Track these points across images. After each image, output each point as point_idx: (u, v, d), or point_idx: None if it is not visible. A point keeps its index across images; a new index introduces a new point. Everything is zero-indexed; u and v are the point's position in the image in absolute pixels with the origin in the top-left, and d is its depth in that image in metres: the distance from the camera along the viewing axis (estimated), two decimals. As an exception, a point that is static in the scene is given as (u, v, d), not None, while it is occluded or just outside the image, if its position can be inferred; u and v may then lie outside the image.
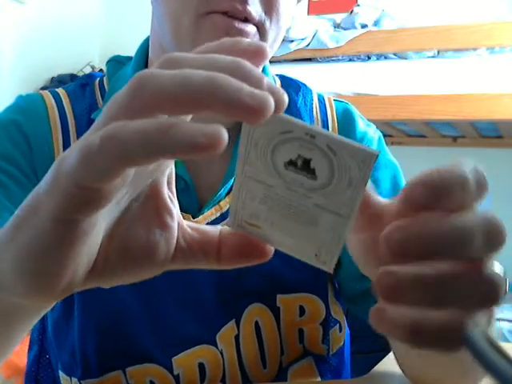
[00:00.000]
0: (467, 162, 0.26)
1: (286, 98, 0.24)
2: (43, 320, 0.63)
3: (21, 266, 0.26)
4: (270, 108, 0.22)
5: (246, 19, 0.51)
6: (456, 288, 0.25)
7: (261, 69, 0.26)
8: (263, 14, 0.52)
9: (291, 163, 0.26)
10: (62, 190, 0.23)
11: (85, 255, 0.26)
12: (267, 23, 0.53)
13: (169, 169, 0.29)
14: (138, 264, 0.29)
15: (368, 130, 0.66)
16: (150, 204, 0.29)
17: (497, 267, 0.26)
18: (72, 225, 0.24)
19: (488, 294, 0.25)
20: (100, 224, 0.26)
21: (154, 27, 0.60)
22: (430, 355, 0.40)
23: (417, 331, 0.25)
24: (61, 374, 0.59)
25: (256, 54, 0.25)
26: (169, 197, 0.29)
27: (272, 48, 0.56)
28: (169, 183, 0.30)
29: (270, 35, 0.54)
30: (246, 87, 0.22)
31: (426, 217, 0.25)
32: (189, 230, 0.30)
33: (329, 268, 0.29)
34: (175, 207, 0.30)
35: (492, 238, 0.25)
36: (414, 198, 0.25)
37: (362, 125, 0.66)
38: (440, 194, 0.25)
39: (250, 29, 0.51)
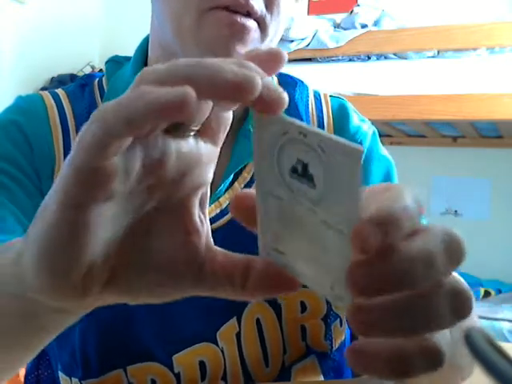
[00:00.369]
0: (403, 188, 0.26)
1: (285, 95, 0.24)
2: None
3: (35, 259, 0.26)
4: (255, 84, 0.22)
5: (248, 13, 0.51)
6: (427, 309, 0.25)
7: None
8: (264, 9, 0.52)
9: (294, 170, 0.25)
10: (65, 176, 0.24)
11: (96, 250, 0.26)
12: (268, 18, 0.53)
13: (202, 189, 0.29)
14: (160, 281, 0.28)
15: (362, 125, 0.66)
16: (177, 220, 0.28)
17: (458, 279, 0.26)
18: (79, 211, 0.24)
19: (459, 307, 0.25)
20: (110, 219, 0.26)
21: (153, 26, 0.60)
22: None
23: (399, 360, 0.25)
24: (61, 374, 0.59)
25: (274, 59, 0.26)
26: (199, 217, 0.29)
27: (272, 43, 0.56)
28: (201, 203, 0.29)
29: (271, 30, 0.54)
30: (231, 66, 0.23)
31: (386, 249, 0.24)
32: (217, 253, 0.29)
33: (346, 303, 0.25)
34: (204, 229, 0.29)
35: (453, 253, 0.25)
36: (364, 239, 0.24)
37: (355, 120, 0.66)
38: (389, 229, 0.24)
39: (252, 24, 0.51)
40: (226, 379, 0.58)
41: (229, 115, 0.29)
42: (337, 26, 2.24)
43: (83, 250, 0.25)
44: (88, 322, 0.56)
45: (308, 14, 2.59)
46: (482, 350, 0.22)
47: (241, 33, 0.51)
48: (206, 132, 0.28)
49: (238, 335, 0.58)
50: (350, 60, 2.12)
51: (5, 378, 0.38)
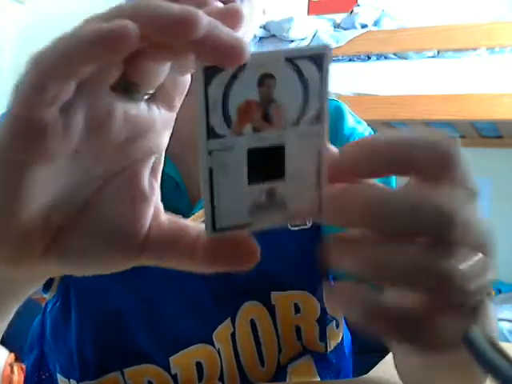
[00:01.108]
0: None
1: (245, 44, 0.22)
2: (43, 323, 0.63)
3: None
4: (199, 17, 0.21)
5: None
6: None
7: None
8: None
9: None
10: (3, 126, 0.23)
11: (35, 212, 0.25)
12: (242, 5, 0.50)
13: (154, 157, 0.28)
14: (106, 248, 0.27)
15: (357, 127, 0.65)
16: (125, 187, 0.27)
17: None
18: (16, 171, 0.23)
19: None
20: (51, 182, 0.24)
21: None
22: (430, 364, 0.38)
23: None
24: (59, 376, 0.59)
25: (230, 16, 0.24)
26: (150, 185, 0.28)
27: (255, 13, 0.54)
28: (153, 171, 0.28)
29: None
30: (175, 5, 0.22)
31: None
32: (166, 222, 0.29)
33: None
34: (154, 197, 0.28)
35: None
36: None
37: (351, 121, 0.65)
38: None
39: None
40: (223, 380, 0.58)
41: (185, 80, 0.27)
42: (337, 26, 2.24)
43: (20, 211, 0.24)
44: (84, 325, 0.56)
45: (308, 13, 2.59)
46: (482, 350, 0.22)
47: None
48: (160, 97, 0.27)
49: (233, 335, 0.58)
50: (350, 60, 2.12)
51: None
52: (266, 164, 0.26)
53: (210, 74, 0.24)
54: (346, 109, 0.67)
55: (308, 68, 0.25)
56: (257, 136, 0.25)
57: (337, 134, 0.63)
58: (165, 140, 0.28)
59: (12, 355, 1.38)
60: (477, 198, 0.26)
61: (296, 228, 0.57)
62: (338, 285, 0.26)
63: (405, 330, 0.24)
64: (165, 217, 0.29)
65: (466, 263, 0.24)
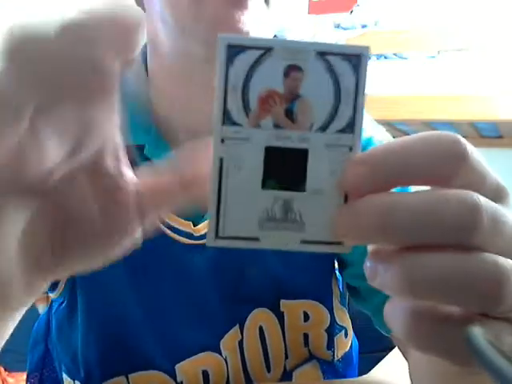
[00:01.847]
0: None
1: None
2: (48, 321, 0.63)
3: None
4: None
5: None
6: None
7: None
8: None
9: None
10: None
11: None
12: None
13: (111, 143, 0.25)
14: (104, 233, 0.26)
15: (373, 135, 0.62)
16: (94, 183, 0.25)
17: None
18: None
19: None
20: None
21: (149, 34, 0.58)
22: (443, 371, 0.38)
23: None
24: (64, 376, 0.59)
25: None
26: (119, 174, 0.26)
27: (277, 9, 0.53)
28: (117, 158, 0.26)
29: None
30: None
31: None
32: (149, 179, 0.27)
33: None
34: (130, 186, 0.26)
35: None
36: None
37: (368, 129, 0.62)
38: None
39: None
40: None
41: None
42: (337, 26, 2.24)
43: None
44: (89, 330, 0.56)
45: (308, 13, 2.59)
46: (482, 350, 0.22)
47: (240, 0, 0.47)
48: None
49: (241, 343, 0.57)
50: (350, 60, 2.12)
51: None
52: (285, 168, 0.23)
53: (233, 52, 0.22)
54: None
55: (342, 67, 0.22)
56: (277, 133, 0.23)
57: None
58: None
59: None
60: (506, 195, 0.24)
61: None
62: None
63: (446, 341, 0.23)
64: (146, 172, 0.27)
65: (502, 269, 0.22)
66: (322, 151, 0.23)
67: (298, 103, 0.23)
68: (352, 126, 0.23)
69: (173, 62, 0.54)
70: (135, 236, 0.27)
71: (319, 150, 0.23)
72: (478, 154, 0.23)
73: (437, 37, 1.96)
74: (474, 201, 0.22)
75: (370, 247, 0.24)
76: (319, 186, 0.23)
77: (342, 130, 0.23)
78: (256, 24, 0.49)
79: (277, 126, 0.23)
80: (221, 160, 0.23)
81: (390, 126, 2.25)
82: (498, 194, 0.24)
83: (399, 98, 1.96)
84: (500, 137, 2.41)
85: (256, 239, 0.23)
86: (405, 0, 2.41)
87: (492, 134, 2.39)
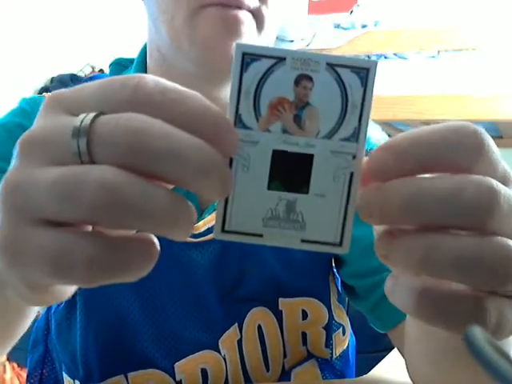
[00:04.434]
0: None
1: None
2: (48, 320, 0.63)
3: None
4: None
5: (239, 8, 0.49)
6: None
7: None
8: (257, 1, 0.51)
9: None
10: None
11: None
12: (263, 8, 0.51)
13: None
14: None
15: (372, 134, 0.63)
16: None
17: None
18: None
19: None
20: None
21: (150, 33, 0.59)
22: (440, 352, 0.38)
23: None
24: (64, 375, 0.59)
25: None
26: None
27: (269, 36, 0.55)
28: None
29: (267, 21, 0.52)
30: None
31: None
32: None
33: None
34: None
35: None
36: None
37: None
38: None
39: (245, 15, 0.50)
40: None
41: None
42: (337, 26, 2.24)
43: None
44: (88, 329, 0.56)
45: (308, 13, 2.59)
46: (482, 350, 0.22)
47: (234, 26, 0.49)
48: None
49: (239, 342, 0.57)
50: (350, 60, 2.12)
51: None
52: (291, 171, 0.24)
53: (248, 59, 0.23)
54: None
55: (350, 79, 0.24)
56: (285, 138, 0.24)
57: None
58: None
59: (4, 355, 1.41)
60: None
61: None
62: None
63: (453, 313, 0.24)
64: None
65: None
66: (327, 157, 0.24)
67: (307, 111, 0.24)
68: (357, 135, 0.24)
69: (170, 64, 0.55)
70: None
71: (324, 156, 0.24)
72: (494, 144, 0.25)
73: (437, 37, 1.96)
74: (493, 186, 0.24)
75: (378, 228, 0.26)
76: (322, 190, 0.24)
77: (347, 139, 0.24)
78: None
79: (285, 131, 0.24)
80: (231, 160, 0.24)
81: (389, 126, 2.24)
82: (506, 179, 0.25)
83: (399, 97, 1.96)
84: (500, 137, 2.41)
85: (259, 235, 0.25)
86: (405, 0, 2.41)
87: (492, 134, 2.38)
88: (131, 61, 0.64)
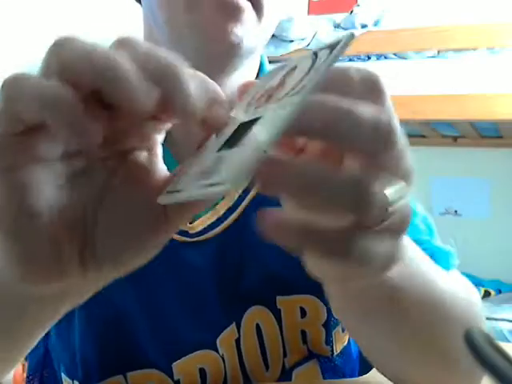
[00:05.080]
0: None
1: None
2: None
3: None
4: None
5: None
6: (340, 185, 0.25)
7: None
8: None
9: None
10: None
11: (48, 213, 0.26)
12: None
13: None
14: (135, 230, 0.29)
15: None
16: (134, 170, 0.29)
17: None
18: (13, 173, 0.25)
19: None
20: (51, 178, 0.26)
21: (146, 30, 0.58)
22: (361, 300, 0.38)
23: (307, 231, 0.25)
24: (63, 376, 0.59)
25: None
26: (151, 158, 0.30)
27: (270, 24, 0.54)
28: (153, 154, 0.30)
29: (266, 9, 0.52)
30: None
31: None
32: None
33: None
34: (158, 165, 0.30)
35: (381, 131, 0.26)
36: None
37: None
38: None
39: (244, 2, 0.49)
40: None
41: None
42: (337, 26, 2.24)
43: (32, 213, 0.25)
44: (87, 328, 0.56)
45: (308, 13, 2.59)
46: (482, 350, 0.22)
47: (235, 12, 0.49)
48: None
49: (238, 341, 0.57)
50: (350, 60, 2.12)
51: (6, 370, 0.38)
52: (238, 135, 0.25)
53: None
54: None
55: (324, 54, 0.25)
56: (253, 112, 0.26)
57: None
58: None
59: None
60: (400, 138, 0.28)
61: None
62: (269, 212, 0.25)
63: (331, 245, 0.26)
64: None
65: (393, 187, 0.26)
66: (270, 114, 0.25)
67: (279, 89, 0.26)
68: (302, 89, 0.24)
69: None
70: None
71: (269, 114, 0.25)
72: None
73: (437, 37, 1.96)
74: (389, 123, 0.27)
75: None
76: (249, 141, 0.24)
77: (293, 94, 0.24)
78: (248, 37, 0.50)
79: (250, 104, 0.27)
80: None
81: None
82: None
83: (399, 97, 1.96)
84: (500, 137, 2.42)
85: (178, 191, 0.26)
86: (404, 0, 2.42)
87: (492, 134, 2.39)
88: None
